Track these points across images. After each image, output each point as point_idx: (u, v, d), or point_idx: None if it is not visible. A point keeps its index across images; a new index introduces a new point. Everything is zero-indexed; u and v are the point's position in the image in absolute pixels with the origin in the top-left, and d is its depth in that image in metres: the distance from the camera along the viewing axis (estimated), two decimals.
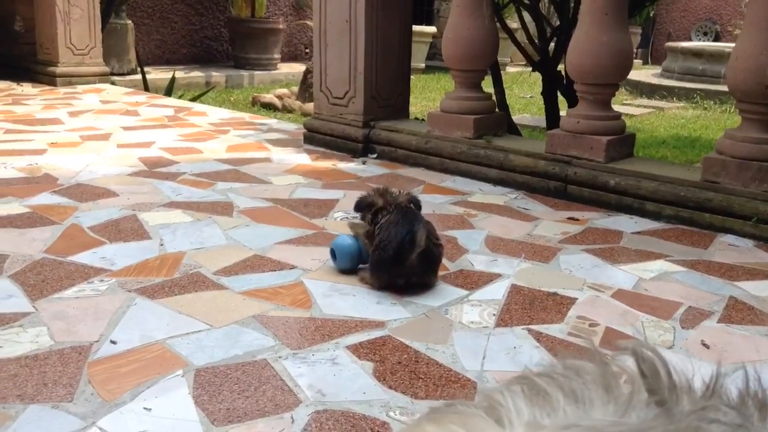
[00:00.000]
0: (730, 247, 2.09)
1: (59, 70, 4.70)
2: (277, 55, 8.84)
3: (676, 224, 2.28)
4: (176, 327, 1.49)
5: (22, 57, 4.98)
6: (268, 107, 6.70)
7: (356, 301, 1.67)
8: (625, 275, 1.86)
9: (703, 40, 12.47)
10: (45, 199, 2.33)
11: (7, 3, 5.25)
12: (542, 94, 3.44)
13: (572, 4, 3.32)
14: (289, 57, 9.62)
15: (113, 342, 1.42)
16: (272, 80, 8.56)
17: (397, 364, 1.37)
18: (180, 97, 5.42)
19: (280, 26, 8.81)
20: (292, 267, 1.86)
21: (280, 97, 7.10)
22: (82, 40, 4.76)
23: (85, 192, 2.42)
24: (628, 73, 2.53)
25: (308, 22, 9.86)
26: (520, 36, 3.65)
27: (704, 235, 2.18)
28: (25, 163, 2.75)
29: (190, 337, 1.45)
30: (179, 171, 2.76)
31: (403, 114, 3.35)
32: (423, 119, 3.57)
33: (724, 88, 8.34)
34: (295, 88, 7.37)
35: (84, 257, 1.85)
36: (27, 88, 4.64)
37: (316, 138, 3.35)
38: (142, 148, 3.12)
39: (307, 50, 10.03)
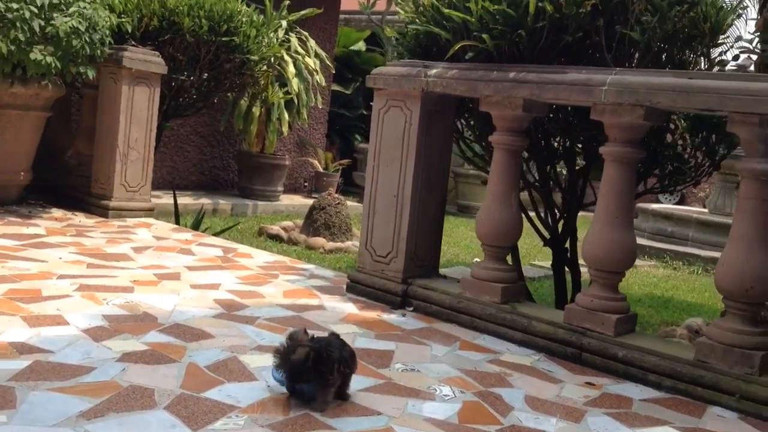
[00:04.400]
0: (718, 418, 2.62)
1: (112, 204, 5.23)
2: (280, 188, 9.52)
3: (674, 394, 2.80)
4: None
5: (75, 188, 5.51)
6: (275, 238, 7.25)
7: None
8: None
9: (669, 199, 13.57)
10: (155, 337, 2.78)
11: (64, 137, 5.85)
12: (552, 266, 4.05)
13: (578, 192, 4.01)
14: (290, 189, 10.31)
15: None
16: (274, 210, 9.17)
17: None
18: (205, 231, 5.95)
19: (286, 162, 9.55)
20: (379, 413, 2.32)
21: (285, 230, 7.68)
22: (135, 178, 5.34)
23: (186, 333, 2.88)
24: (632, 264, 3.15)
25: (309, 159, 10.67)
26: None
27: (697, 406, 2.71)
28: (123, 301, 3.21)
29: None
30: (253, 315, 3.24)
31: (435, 272, 3.92)
32: (445, 276, 4.12)
33: (692, 249, 9.12)
34: (299, 221, 7.97)
35: (214, 394, 2.30)
36: (82, 218, 5.14)
37: (358, 288, 3.88)
38: (212, 290, 3.61)
39: (306, 184, 10.76)
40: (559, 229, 4.02)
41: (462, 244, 8.11)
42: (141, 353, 2.58)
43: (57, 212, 5.21)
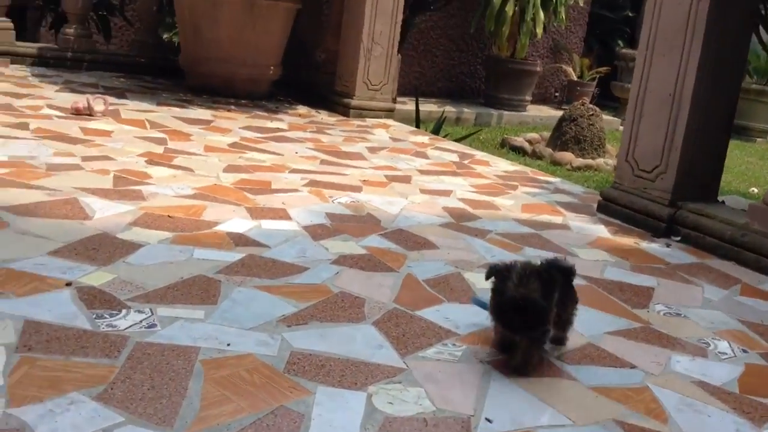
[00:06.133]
0: None
1: (354, 102, 5.10)
2: (528, 97, 8.89)
3: None
4: (540, 415, 1.53)
5: (321, 85, 5.47)
6: (518, 151, 6.74)
7: (713, 423, 1.60)
8: None
9: None
10: (376, 241, 2.52)
11: (313, 32, 5.81)
12: None
13: None
14: (538, 99, 9.63)
15: (488, 420, 1.48)
16: (520, 121, 8.61)
17: None
18: (445, 137, 5.62)
19: (537, 69, 8.84)
20: (633, 366, 1.83)
21: (530, 142, 7.12)
22: (377, 76, 5.13)
23: (409, 240, 2.58)
24: None
25: (563, 66, 9.81)
26: None
27: None
28: (348, 199, 3.00)
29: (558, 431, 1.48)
30: (484, 228, 2.85)
31: (712, 195, 3.19)
32: (724, 201, 3.35)
33: None
34: (545, 134, 7.35)
35: (429, 314, 1.97)
36: (324, 116, 5.09)
37: (611, 208, 3.29)
38: (442, 196, 3.27)
39: (557, 94, 9.97)
40: None
41: (735, 170, 6.90)
42: (358, 257, 2.33)
43: (302, 109, 5.21)
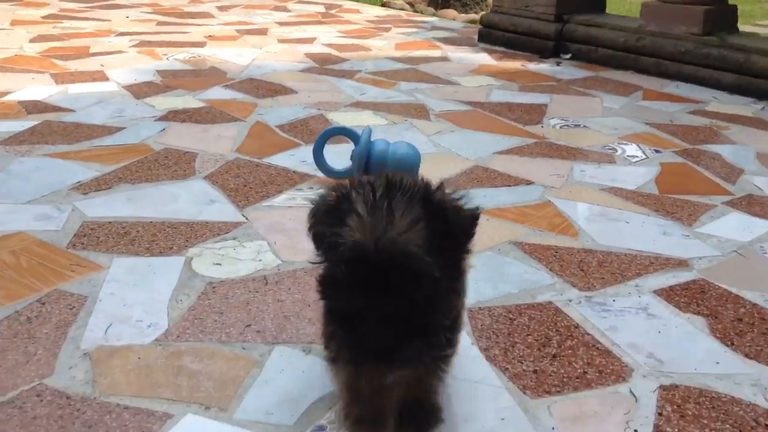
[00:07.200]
0: None
1: None
2: None
3: None
4: None
5: None
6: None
7: (634, 229, 1.30)
8: None
9: None
10: (219, 93, 2.06)
11: None
12: None
13: None
14: None
15: None
16: None
17: (738, 322, 1.01)
18: None
19: None
20: (529, 182, 1.50)
21: (411, 4, 6.64)
22: None
23: (260, 87, 2.14)
24: None
25: None
26: None
27: None
28: (187, 55, 2.50)
29: None
30: (353, 69, 2.44)
31: (600, 6, 2.87)
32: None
33: None
34: None
35: (282, 159, 1.57)
36: None
37: (493, 35, 2.93)
38: (305, 44, 2.81)
39: None
40: None
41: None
42: (192, 111, 1.87)
43: None
